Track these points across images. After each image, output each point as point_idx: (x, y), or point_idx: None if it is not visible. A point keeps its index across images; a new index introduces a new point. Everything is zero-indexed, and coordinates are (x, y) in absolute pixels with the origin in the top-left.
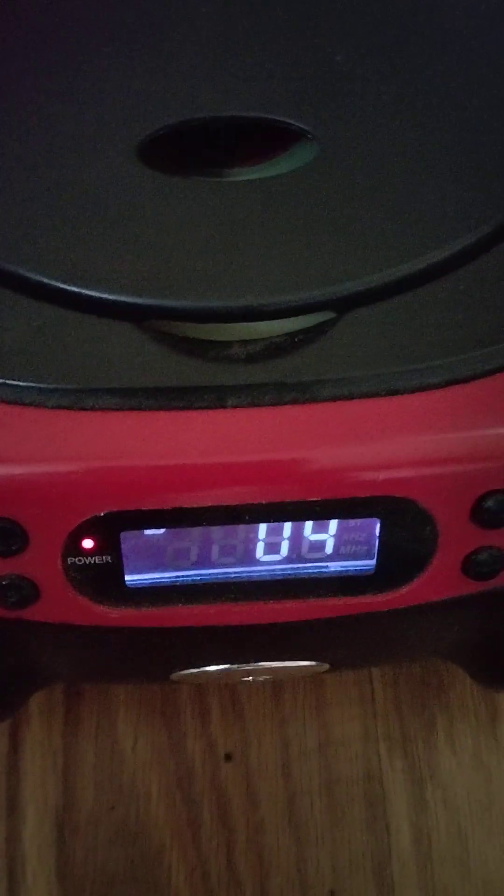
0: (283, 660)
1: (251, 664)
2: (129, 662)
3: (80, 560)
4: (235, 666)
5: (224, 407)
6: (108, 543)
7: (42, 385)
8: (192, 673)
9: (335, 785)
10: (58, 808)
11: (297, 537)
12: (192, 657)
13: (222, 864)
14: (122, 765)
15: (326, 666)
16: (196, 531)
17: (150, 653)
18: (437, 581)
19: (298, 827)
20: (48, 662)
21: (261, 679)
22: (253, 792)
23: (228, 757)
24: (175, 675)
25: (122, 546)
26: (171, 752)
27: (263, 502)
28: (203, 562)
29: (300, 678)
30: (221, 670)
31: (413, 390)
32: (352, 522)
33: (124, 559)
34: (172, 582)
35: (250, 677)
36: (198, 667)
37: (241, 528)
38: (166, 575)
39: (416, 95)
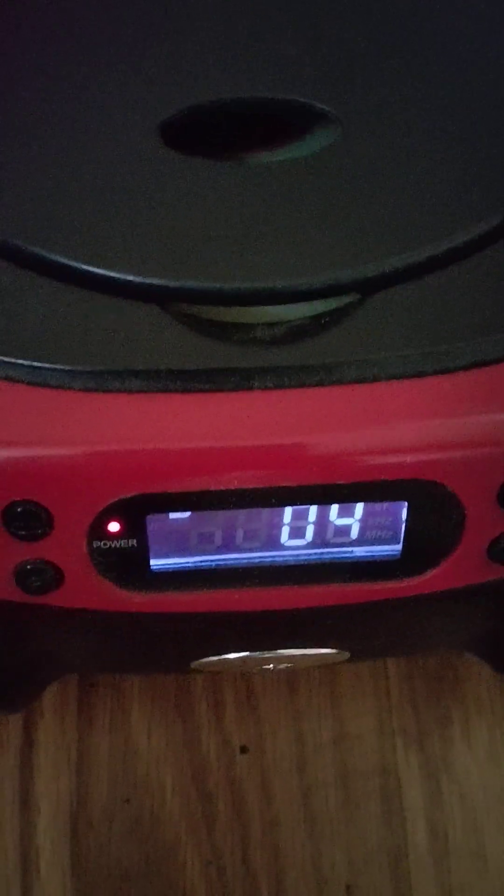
0: (304, 647)
1: (272, 652)
2: (150, 650)
3: (105, 544)
4: (256, 653)
5: (249, 389)
6: (134, 527)
7: (67, 367)
8: (212, 661)
9: (350, 779)
10: (72, 802)
11: (322, 521)
12: (214, 644)
13: (237, 859)
14: (137, 759)
15: (347, 654)
16: (221, 514)
17: (171, 640)
18: (463, 566)
19: (314, 821)
20: (67, 651)
21: (280, 667)
22: (268, 786)
23: (243, 750)
24: (195, 664)
25: (148, 529)
26: (186, 746)
27: (289, 485)
28: (228, 546)
29: (315, 671)
30: (242, 658)
31: (439, 372)
32: (377, 506)
33: (150, 543)
34: (196, 566)
35: (270, 665)
36: (218, 654)
37: (267, 511)
38: (191, 559)
39: (441, 75)
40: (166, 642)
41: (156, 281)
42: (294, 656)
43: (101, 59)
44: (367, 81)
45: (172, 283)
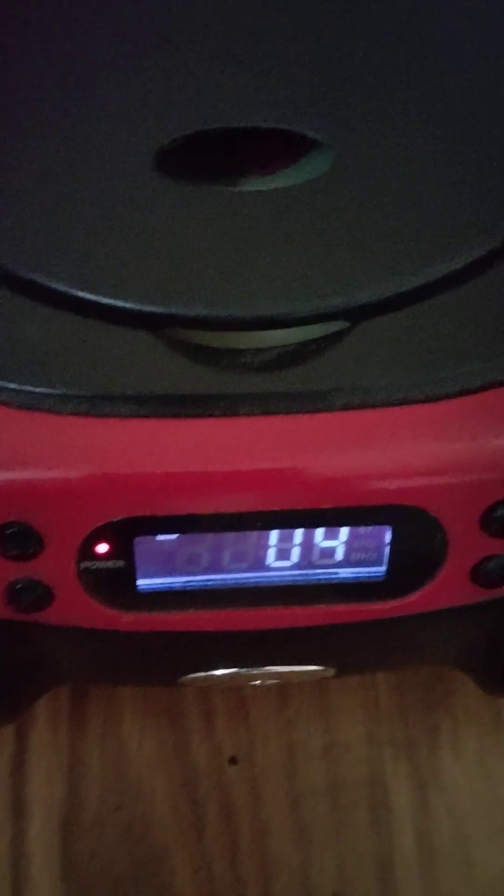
0: (291, 664)
1: (259, 669)
2: (138, 666)
3: (93, 565)
4: (244, 670)
5: (237, 415)
6: (122, 548)
7: (58, 392)
8: (200, 677)
9: (340, 788)
10: (63, 808)
11: (307, 544)
12: (201, 661)
13: (227, 866)
14: (128, 765)
15: (333, 671)
16: (208, 537)
17: (160, 657)
18: (446, 589)
19: (303, 829)
20: (58, 665)
21: (268, 683)
22: (257, 794)
23: (233, 759)
24: (183, 679)
25: (136, 551)
26: (177, 754)
27: (275, 509)
28: (214, 567)
29: (306, 682)
30: (229, 674)
31: (425, 400)
32: (362, 530)
33: (137, 564)
34: (183, 587)
35: (258, 681)
36: (206, 671)
37: (253, 534)
38: (178, 580)
39: (432, 105)
40: (154, 659)
41: (147, 307)
42: (281, 673)
43: (96, 86)
44: (360, 110)
45: (163, 310)
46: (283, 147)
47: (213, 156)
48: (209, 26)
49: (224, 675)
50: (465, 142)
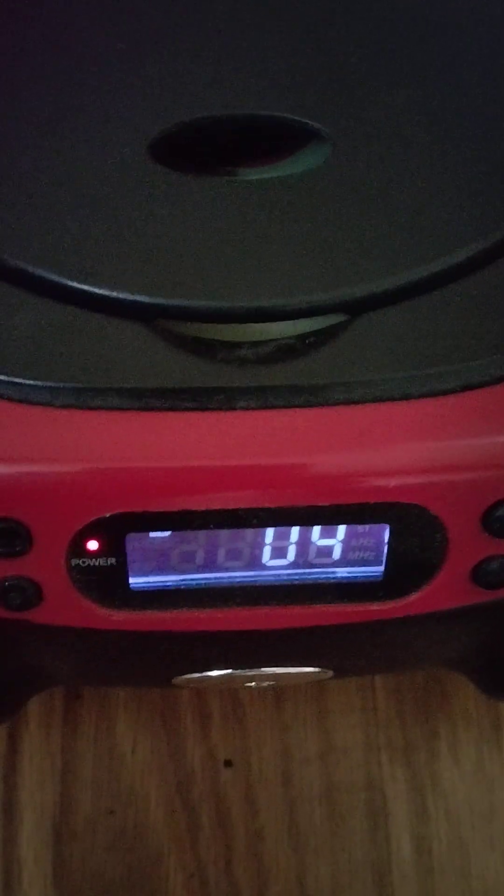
0: (287, 666)
1: (254, 670)
2: (131, 666)
3: (84, 562)
4: (238, 671)
5: (233, 409)
6: (114, 545)
7: (49, 384)
8: (194, 678)
9: (336, 793)
10: (55, 812)
11: (304, 542)
12: (195, 662)
13: (221, 872)
14: (121, 769)
15: (330, 673)
16: (202, 534)
17: (153, 657)
18: (446, 590)
19: (298, 835)
20: (49, 665)
21: (264, 685)
22: (253, 799)
23: (228, 763)
24: (177, 680)
25: (128, 548)
26: (171, 758)
27: (271, 506)
28: (209, 565)
29: (302, 685)
30: (224, 676)
31: (425, 395)
32: (360, 528)
33: (129, 561)
34: (177, 585)
35: (253, 683)
36: (200, 672)
37: (248, 531)
38: (171, 578)
39: (432, 95)
40: (147, 659)
41: (140, 298)
42: (278, 674)
43: (90, 73)
44: (359, 99)
45: (157, 301)
46: (281, 137)
47: (209, 145)
48: (208, 14)
49: (219, 676)
50: (467, 132)
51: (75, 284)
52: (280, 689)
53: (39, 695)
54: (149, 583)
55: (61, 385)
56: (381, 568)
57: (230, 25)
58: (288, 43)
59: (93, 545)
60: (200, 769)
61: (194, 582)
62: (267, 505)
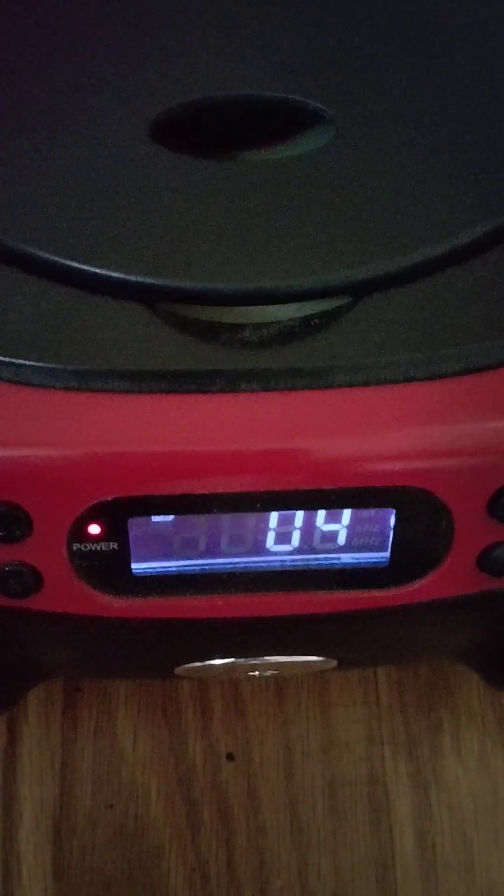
0: (290, 655)
1: (257, 658)
2: (132, 656)
3: (85, 547)
4: (241, 660)
5: (235, 392)
6: (116, 530)
7: (50, 366)
8: (196, 667)
9: (338, 788)
10: (55, 806)
11: (308, 527)
12: (197, 650)
13: (222, 867)
14: (122, 763)
15: (334, 662)
16: (205, 519)
17: (154, 646)
18: (452, 577)
19: (300, 830)
20: (49, 654)
21: (266, 674)
22: (254, 793)
23: (230, 757)
24: (179, 670)
25: (130, 533)
26: (172, 752)
27: (275, 490)
28: (212, 551)
29: (305, 676)
30: (227, 664)
31: (430, 378)
32: (365, 513)
33: (132, 546)
34: (179, 571)
35: (256, 672)
36: (202, 660)
37: (252, 516)
38: (174, 564)
39: (436, 77)
40: (149, 648)
41: (142, 279)
42: (280, 663)
43: (91, 54)
44: (362, 81)
45: (159, 282)
46: (284, 119)
47: (212, 126)
48: None
49: (222, 665)
50: (471, 114)
51: (76, 265)
52: (282, 683)
53: (39, 689)
54: (151, 568)
55: (62, 367)
56: (387, 554)
57: (233, 6)
58: (291, 24)
59: (94, 530)
60: (201, 763)
61: (197, 568)
62: (270, 489)
